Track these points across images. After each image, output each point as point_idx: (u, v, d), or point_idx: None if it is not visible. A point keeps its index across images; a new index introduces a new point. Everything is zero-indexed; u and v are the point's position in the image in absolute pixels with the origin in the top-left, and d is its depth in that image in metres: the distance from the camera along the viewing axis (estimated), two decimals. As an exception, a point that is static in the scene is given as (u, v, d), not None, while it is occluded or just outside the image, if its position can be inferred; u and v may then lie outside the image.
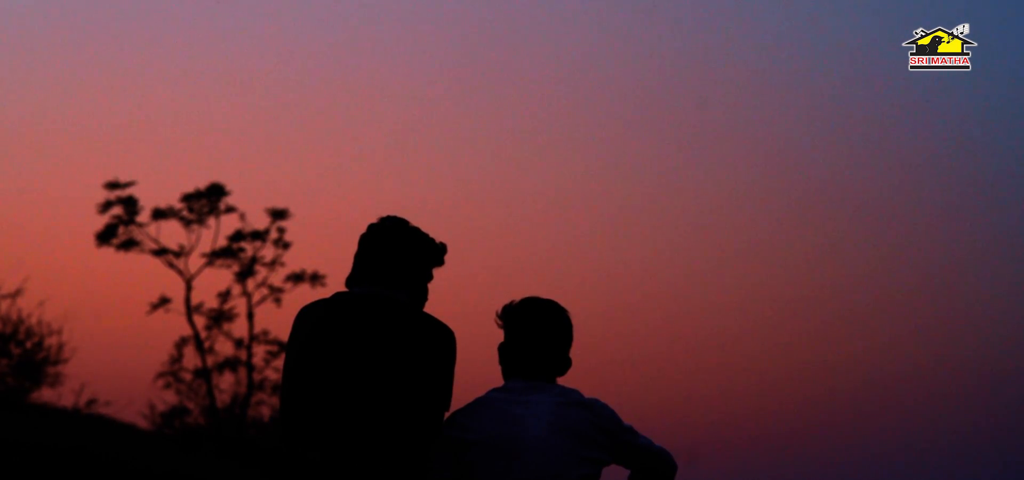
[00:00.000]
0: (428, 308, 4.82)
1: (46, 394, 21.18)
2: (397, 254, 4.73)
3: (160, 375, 23.73)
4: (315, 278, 24.26)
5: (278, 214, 24.22)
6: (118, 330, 25.43)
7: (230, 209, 24.15)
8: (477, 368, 4.98)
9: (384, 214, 4.83)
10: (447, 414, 4.75)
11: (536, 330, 4.83)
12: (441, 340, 4.68)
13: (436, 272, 4.85)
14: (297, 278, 24.18)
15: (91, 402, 21.14)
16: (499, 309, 4.89)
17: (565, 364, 4.90)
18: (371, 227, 4.79)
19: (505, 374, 4.90)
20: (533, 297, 4.87)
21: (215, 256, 24.05)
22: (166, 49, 26.06)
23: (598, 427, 4.79)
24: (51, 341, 21.43)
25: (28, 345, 21.32)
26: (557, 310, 4.86)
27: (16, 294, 21.30)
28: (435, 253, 4.80)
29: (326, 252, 25.81)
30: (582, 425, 4.77)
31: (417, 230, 4.80)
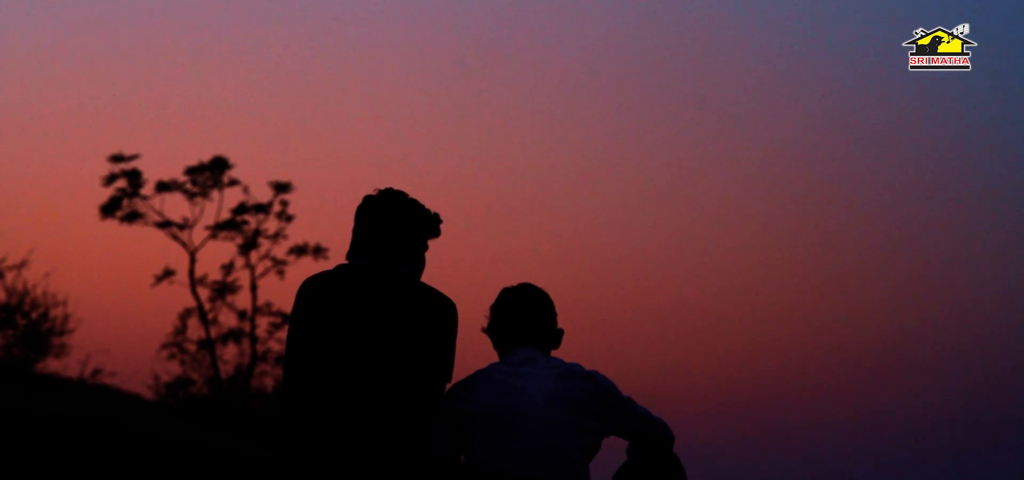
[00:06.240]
0: (428, 280, 4.85)
1: (52, 364, 21.30)
2: (397, 226, 4.77)
3: (164, 346, 23.87)
4: (318, 251, 24.36)
5: (281, 187, 24.31)
6: (123, 302, 25.53)
7: (233, 182, 24.23)
8: (477, 342, 5.09)
9: (386, 186, 4.86)
10: (448, 386, 4.79)
11: (518, 303, 4.94)
12: (443, 312, 4.72)
13: (433, 243, 4.88)
14: (300, 251, 24.27)
15: (96, 372, 21.26)
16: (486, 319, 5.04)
17: (555, 334, 5.02)
18: (368, 199, 4.82)
19: (500, 350, 5.00)
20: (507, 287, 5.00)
21: (219, 229, 24.14)
22: (170, 22, 26.12)
23: (597, 398, 4.85)
24: (56, 312, 21.52)
25: (33, 316, 21.41)
26: (533, 287, 4.98)
27: (21, 265, 21.42)
28: (431, 224, 4.84)
29: (329, 225, 25.89)
30: (582, 396, 4.83)
31: (414, 201, 4.83)
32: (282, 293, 24.26)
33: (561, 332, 5.01)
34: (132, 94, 26.42)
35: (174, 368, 23.87)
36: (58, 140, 26.36)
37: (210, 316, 23.91)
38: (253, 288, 24.07)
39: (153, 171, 23.99)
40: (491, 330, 4.99)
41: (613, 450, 5.04)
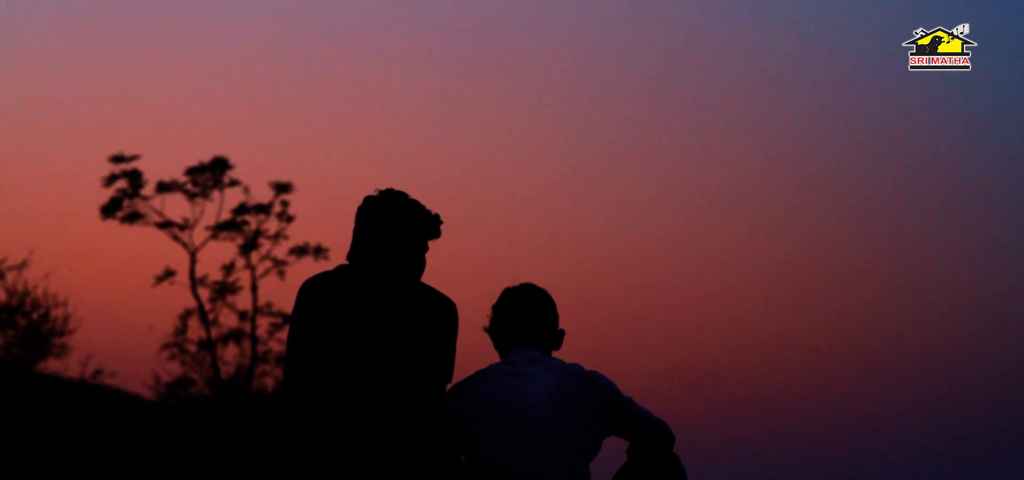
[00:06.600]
0: (427, 280, 4.85)
1: (52, 364, 21.32)
2: (397, 226, 4.77)
3: (165, 346, 23.88)
4: (318, 251, 24.36)
5: (282, 188, 24.30)
6: (123, 302, 25.57)
7: (234, 183, 24.23)
8: (477, 345, 5.10)
9: (387, 187, 4.86)
10: (449, 386, 4.79)
11: (520, 304, 4.95)
12: (443, 312, 4.72)
13: (434, 243, 4.88)
14: (300, 251, 24.27)
15: (97, 373, 21.28)
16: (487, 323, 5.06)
17: (556, 335, 5.02)
18: (368, 200, 4.83)
19: (501, 350, 5.01)
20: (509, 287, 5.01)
21: (219, 229, 24.15)
22: (171, 23, 26.13)
23: (598, 398, 4.86)
24: (57, 312, 21.56)
25: (34, 316, 21.44)
26: (535, 288, 4.99)
27: (22, 266, 21.43)
28: (432, 225, 4.85)
29: (329, 225, 25.90)
30: (582, 396, 4.84)
31: (415, 202, 4.84)
32: (283, 293, 24.28)
33: (562, 333, 5.01)
34: (132, 94, 26.44)
35: (175, 368, 23.90)
36: (58, 140, 26.38)
37: (211, 317, 23.92)
38: (254, 289, 24.07)
39: (154, 172, 24.00)
40: (492, 329, 5.00)
41: (613, 450, 5.04)
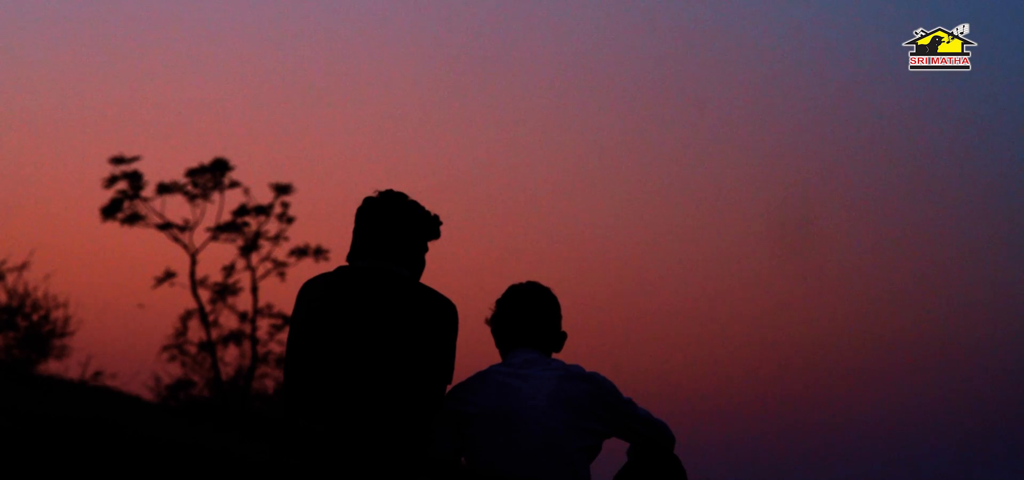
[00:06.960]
0: (427, 281, 4.85)
1: (53, 366, 21.32)
2: (397, 228, 4.78)
3: (165, 348, 23.88)
4: (319, 252, 24.36)
5: (282, 189, 24.30)
6: (123, 303, 25.57)
7: (234, 184, 24.24)
8: (477, 345, 5.10)
9: (386, 188, 4.86)
10: (449, 387, 4.78)
11: (523, 303, 4.95)
12: (443, 313, 4.72)
13: (433, 244, 4.88)
14: (301, 252, 24.27)
15: (97, 374, 21.29)
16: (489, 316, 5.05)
17: (558, 337, 5.02)
18: (368, 201, 4.83)
19: (502, 349, 5.02)
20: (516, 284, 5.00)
21: (219, 230, 24.16)
22: (171, 24, 26.13)
23: (598, 400, 4.85)
24: (57, 314, 21.57)
25: (34, 318, 21.45)
26: (540, 288, 4.98)
27: (22, 267, 21.44)
28: (431, 225, 4.85)
29: (330, 227, 25.90)
30: (582, 398, 4.84)
31: (414, 203, 4.84)
32: (283, 295, 24.28)
33: (564, 336, 5.01)
34: (132, 95, 26.45)
35: (175, 370, 23.90)
36: (59, 142, 26.39)
37: (211, 318, 23.92)
38: (254, 290, 24.07)
39: (154, 173, 24.00)
40: (494, 325, 4.99)
41: (614, 452, 5.04)
